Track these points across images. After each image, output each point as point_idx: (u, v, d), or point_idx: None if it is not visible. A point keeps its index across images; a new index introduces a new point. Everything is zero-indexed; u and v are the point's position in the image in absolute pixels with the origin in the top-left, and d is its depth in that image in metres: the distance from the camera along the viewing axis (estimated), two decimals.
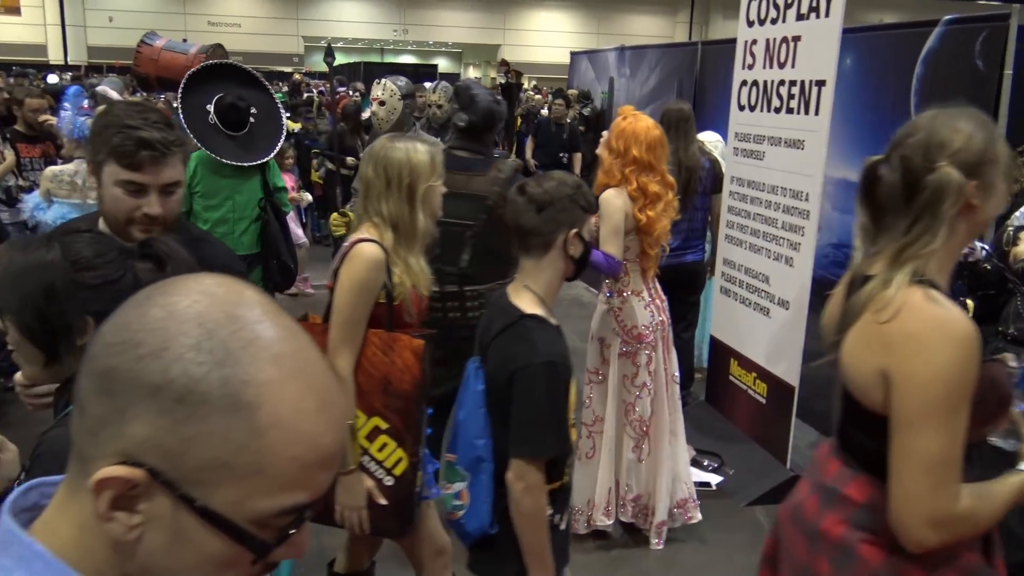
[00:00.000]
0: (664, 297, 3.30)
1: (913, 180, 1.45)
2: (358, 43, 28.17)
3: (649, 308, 3.21)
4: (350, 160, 6.88)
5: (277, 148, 4.26)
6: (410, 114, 3.68)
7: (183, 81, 4.19)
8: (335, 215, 3.84)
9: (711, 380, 4.52)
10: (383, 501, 2.17)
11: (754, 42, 4.01)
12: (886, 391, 1.40)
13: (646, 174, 3.10)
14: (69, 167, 4.22)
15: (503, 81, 12.17)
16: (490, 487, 1.88)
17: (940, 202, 1.41)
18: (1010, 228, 3.37)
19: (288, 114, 7.08)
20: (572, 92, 11.44)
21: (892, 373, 1.39)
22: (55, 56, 25.24)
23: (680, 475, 3.38)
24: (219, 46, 4.98)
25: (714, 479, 3.90)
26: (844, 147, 4.56)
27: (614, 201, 3.08)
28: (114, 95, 5.24)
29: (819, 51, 3.55)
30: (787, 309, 3.75)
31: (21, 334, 1.27)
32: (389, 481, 2.17)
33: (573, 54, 11.73)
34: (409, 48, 30.01)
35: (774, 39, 3.84)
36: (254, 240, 4.08)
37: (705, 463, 4.00)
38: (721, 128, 5.33)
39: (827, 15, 3.49)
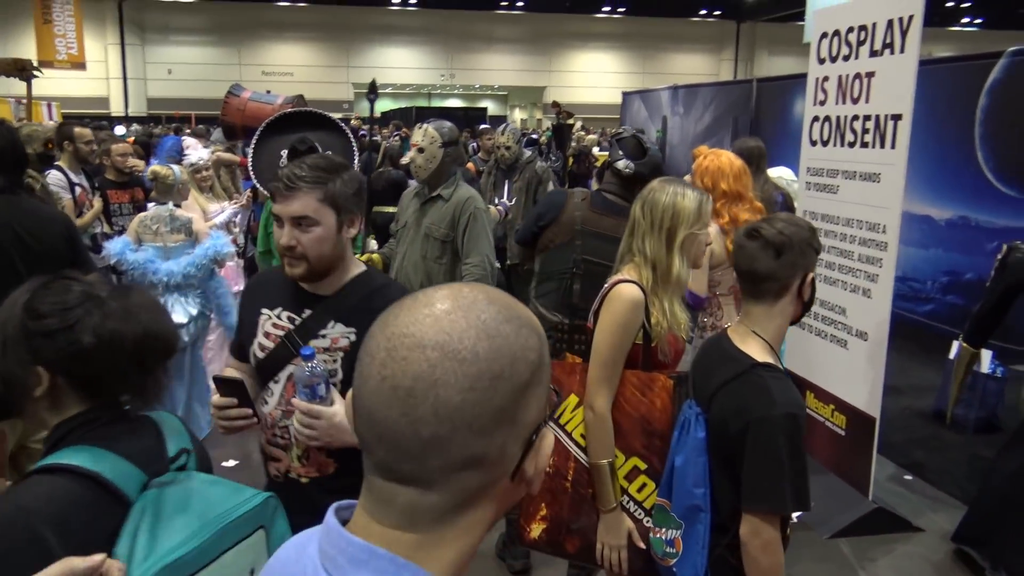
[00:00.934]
0: None
1: None
2: (406, 88, 28.82)
3: None
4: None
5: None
6: (451, 162, 3.54)
7: (259, 129, 4.40)
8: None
9: None
10: (642, 545, 2.14)
11: (825, 79, 4.08)
12: None
13: (736, 204, 3.19)
14: (151, 212, 4.40)
15: (555, 122, 12.34)
16: (706, 537, 1.84)
17: None
18: None
19: None
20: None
21: None
22: (116, 108, 26.26)
23: None
24: (301, 96, 5.20)
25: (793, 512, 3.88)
26: (908, 180, 4.59)
27: None
28: (200, 148, 5.51)
29: (894, 86, 3.60)
30: (866, 340, 3.76)
31: None
32: (648, 522, 2.13)
33: (625, 94, 11.91)
34: (456, 92, 30.59)
35: (847, 75, 3.90)
36: None
37: None
38: (782, 162, 5.40)
39: (902, 51, 3.55)
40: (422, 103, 26.87)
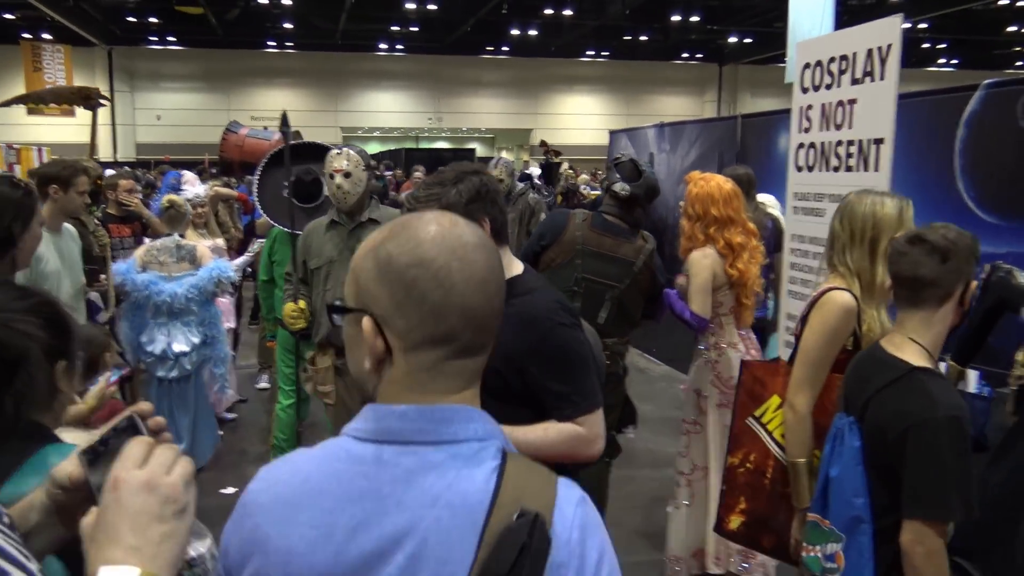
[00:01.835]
0: (759, 347, 3.45)
1: None
2: (394, 131, 29.14)
3: (746, 359, 3.35)
4: None
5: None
6: (371, 182, 3.49)
7: (263, 161, 4.52)
8: (290, 305, 3.63)
9: None
10: None
11: (809, 107, 4.22)
12: None
13: (728, 228, 3.29)
14: (158, 242, 4.49)
15: (543, 161, 12.55)
16: (871, 548, 1.80)
17: None
18: None
19: None
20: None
21: None
22: (105, 153, 26.36)
23: None
24: (297, 132, 5.31)
25: None
26: None
27: (702, 260, 3.26)
28: (197, 184, 5.61)
29: (876, 111, 3.75)
30: None
31: None
32: None
33: (612, 132, 12.11)
34: (443, 135, 30.94)
35: (830, 103, 4.05)
36: None
37: None
38: (769, 192, 5.54)
39: (882, 78, 3.70)
40: (410, 145, 27.13)
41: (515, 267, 1.94)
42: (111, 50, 26.00)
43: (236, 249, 5.83)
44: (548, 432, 1.86)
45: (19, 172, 15.55)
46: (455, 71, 28.63)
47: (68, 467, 0.95)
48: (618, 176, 3.27)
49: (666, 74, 29.59)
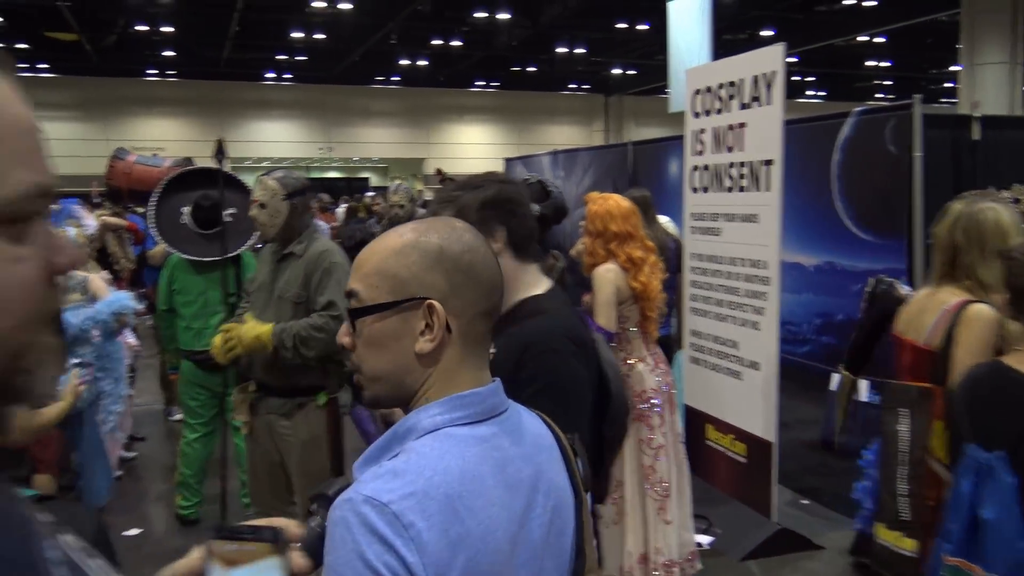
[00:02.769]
0: (666, 360, 3.55)
1: None
2: (284, 162, 28.57)
3: (655, 372, 3.45)
4: None
5: (247, 244, 4.42)
6: (302, 215, 3.28)
7: (161, 186, 4.38)
8: (222, 336, 3.28)
9: (688, 446, 4.71)
10: None
11: (702, 131, 4.42)
12: None
13: (628, 243, 3.39)
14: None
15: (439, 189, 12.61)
16: None
17: None
18: None
19: None
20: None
21: None
22: None
23: (688, 529, 3.55)
24: (189, 159, 5.17)
25: (704, 539, 4.05)
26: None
27: (605, 275, 3.34)
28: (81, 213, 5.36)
29: (764, 134, 3.96)
30: (759, 370, 4.02)
31: None
32: None
33: (507, 160, 12.30)
34: (335, 164, 30.60)
35: (721, 127, 4.25)
36: None
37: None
38: (662, 214, 5.75)
39: (769, 103, 3.92)
40: (300, 175, 26.71)
41: (539, 286, 1.87)
42: None
43: (128, 280, 5.59)
44: None
45: None
46: (345, 100, 28.42)
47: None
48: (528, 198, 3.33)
49: (554, 104, 30.26)
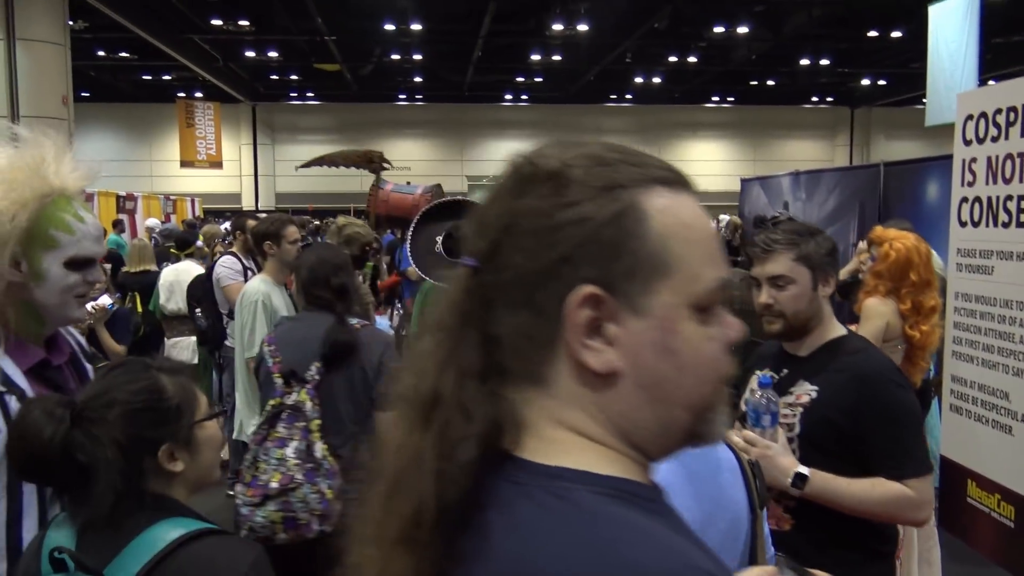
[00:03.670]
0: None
1: None
2: None
3: None
4: None
5: None
6: None
7: (417, 217, 4.71)
8: None
9: (945, 502, 4.32)
10: None
11: (973, 160, 4.05)
12: None
13: (924, 292, 3.17)
14: None
15: None
16: None
17: None
18: None
19: None
20: (734, 219, 11.72)
21: None
22: (248, 202, 28.07)
23: None
24: (439, 186, 5.53)
25: None
26: None
27: (879, 308, 3.17)
28: None
29: None
30: None
31: None
32: None
33: (744, 180, 11.95)
34: None
35: (996, 156, 3.87)
36: None
37: None
38: None
39: None
40: None
41: (839, 327, 2.00)
42: (255, 106, 27.77)
43: (386, 292, 6.05)
44: (875, 488, 1.86)
45: (175, 220, 16.78)
46: (577, 119, 28.98)
47: None
48: None
49: (795, 118, 28.97)
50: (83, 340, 1.90)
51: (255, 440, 2.45)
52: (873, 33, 18.70)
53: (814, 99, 28.34)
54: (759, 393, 1.80)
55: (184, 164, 23.77)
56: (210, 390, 5.56)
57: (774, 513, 1.93)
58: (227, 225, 12.86)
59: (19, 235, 1.53)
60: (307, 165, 5.28)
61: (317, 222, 13.14)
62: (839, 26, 18.19)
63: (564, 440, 0.73)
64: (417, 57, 21.61)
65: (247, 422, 3.83)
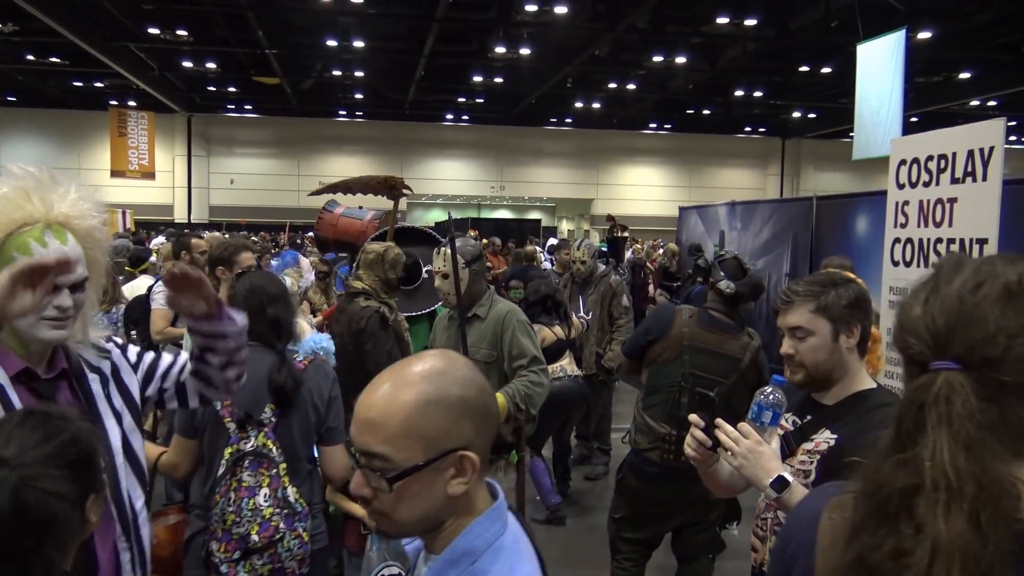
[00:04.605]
0: None
1: None
2: (457, 199, 29.70)
3: None
4: None
5: (441, 301, 4.65)
6: (479, 279, 3.46)
7: (369, 240, 4.68)
8: None
9: None
10: None
11: (906, 203, 4.23)
12: None
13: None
14: None
15: (609, 235, 12.65)
16: None
17: None
18: None
19: None
20: (671, 246, 11.97)
21: None
22: (180, 215, 27.42)
23: None
24: (389, 212, 5.51)
25: None
26: None
27: None
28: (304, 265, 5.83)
29: (978, 211, 3.74)
30: None
31: None
32: None
33: (682, 208, 12.19)
34: (505, 203, 31.43)
35: (928, 200, 4.06)
36: None
37: None
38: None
39: (984, 179, 3.71)
40: (472, 213, 27.57)
41: (867, 380, 1.99)
42: (190, 117, 27.21)
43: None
44: None
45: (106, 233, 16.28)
46: (518, 140, 29.22)
47: None
48: (723, 274, 3.32)
49: (729, 147, 29.74)
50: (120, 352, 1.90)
51: (219, 492, 2.36)
52: (804, 68, 19.38)
53: (747, 129, 29.17)
54: (768, 389, 1.79)
55: (115, 174, 23.10)
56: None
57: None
58: (161, 239, 12.51)
59: None
60: (318, 192, 5.11)
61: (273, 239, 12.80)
62: (772, 60, 18.79)
63: None
64: (359, 74, 21.51)
65: None
